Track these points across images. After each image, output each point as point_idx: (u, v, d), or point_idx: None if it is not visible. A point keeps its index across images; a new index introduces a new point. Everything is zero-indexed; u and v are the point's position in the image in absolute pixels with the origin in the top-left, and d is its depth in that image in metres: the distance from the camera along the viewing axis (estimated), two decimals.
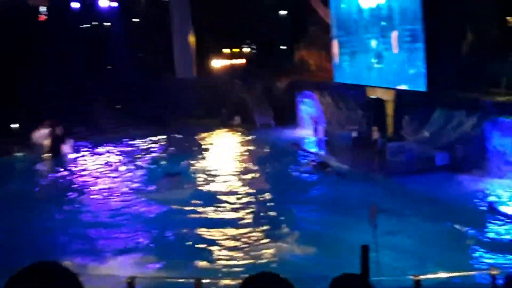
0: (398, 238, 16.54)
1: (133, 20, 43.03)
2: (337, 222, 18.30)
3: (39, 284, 2.09)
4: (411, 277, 10.12)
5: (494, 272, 9.79)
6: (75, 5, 39.29)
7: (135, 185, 24.37)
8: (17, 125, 33.78)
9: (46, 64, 35.80)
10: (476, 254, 15.32)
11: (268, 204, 20.77)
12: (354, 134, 29.09)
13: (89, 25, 42.33)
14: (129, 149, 31.94)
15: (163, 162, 28.00)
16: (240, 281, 2.51)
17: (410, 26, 25.13)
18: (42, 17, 39.57)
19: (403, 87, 26.17)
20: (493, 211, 18.49)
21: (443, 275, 12.30)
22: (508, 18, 24.66)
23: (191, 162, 27.74)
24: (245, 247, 16.71)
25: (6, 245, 16.77)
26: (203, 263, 15.53)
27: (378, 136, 26.93)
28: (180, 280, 12.69)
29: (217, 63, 41.41)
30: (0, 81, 33.95)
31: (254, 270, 2.69)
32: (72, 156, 29.97)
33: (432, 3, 24.19)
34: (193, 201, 21.12)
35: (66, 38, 37.27)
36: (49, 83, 35.28)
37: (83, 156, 30.71)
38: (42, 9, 39.37)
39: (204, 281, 9.93)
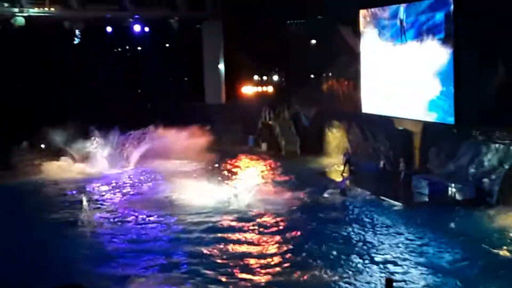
0: None
1: (165, 45, 43.64)
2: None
3: None
4: None
5: None
6: (109, 29, 39.99)
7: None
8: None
9: (77, 85, 36.56)
10: None
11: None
12: (381, 164, 29.07)
13: (121, 49, 43.04)
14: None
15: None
16: None
17: (441, 61, 25.23)
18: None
19: (431, 119, 26.16)
20: None
21: None
22: None
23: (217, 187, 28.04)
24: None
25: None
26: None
27: (404, 168, 26.87)
28: None
29: (246, 90, 41.71)
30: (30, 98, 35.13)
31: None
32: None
33: (464, 37, 24.29)
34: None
35: (99, 60, 37.93)
36: (78, 104, 35.83)
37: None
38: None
39: None
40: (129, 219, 23.40)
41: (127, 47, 43.23)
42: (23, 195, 27.64)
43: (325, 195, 25.99)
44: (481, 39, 23.45)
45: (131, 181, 30.78)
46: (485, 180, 23.27)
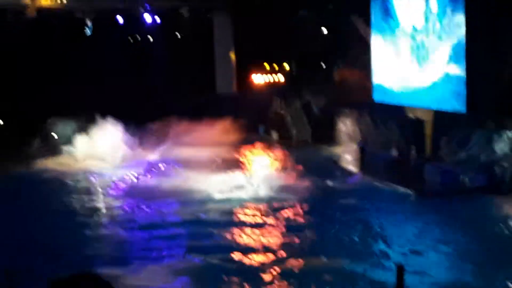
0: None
1: (176, 35, 43.62)
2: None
3: None
4: None
5: None
6: (120, 19, 40.05)
7: None
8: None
9: (88, 76, 36.69)
10: None
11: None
12: (393, 153, 29.01)
13: (132, 39, 43.09)
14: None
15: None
16: None
17: (452, 48, 25.14)
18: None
19: (442, 107, 26.11)
20: None
21: None
22: None
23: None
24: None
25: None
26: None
27: (416, 156, 26.83)
28: None
29: (257, 79, 41.68)
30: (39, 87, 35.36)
31: None
32: None
33: (476, 26, 24.18)
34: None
35: (109, 50, 38.02)
36: (88, 94, 35.96)
37: None
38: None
39: None
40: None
41: (138, 38, 43.23)
42: (40, 184, 27.91)
43: (332, 183, 26.11)
44: (493, 25, 23.37)
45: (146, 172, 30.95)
46: (497, 168, 23.23)
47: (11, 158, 32.04)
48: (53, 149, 34.20)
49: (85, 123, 34.01)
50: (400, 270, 10.81)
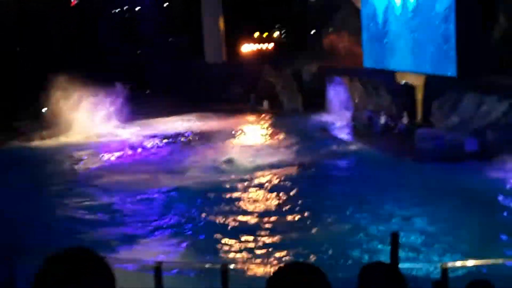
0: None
1: (164, 4, 43.12)
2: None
3: (72, 269, 2.19)
4: (439, 264, 10.12)
5: None
6: None
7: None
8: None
9: (76, 48, 36.19)
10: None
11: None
12: (383, 119, 28.92)
13: (120, 9, 42.56)
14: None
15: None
16: (267, 267, 2.53)
17: (442, 10, 24.89)
18: (73, 2, 39.90)
19: (433, 71, 25.96)
20: None
21: (471, 262, 12.23)
22: None
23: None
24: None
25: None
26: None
27: (407, 122, 26.76)
28: (207, 266, 12.81)
29: (246, 48, 41.33)
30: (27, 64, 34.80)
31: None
32: None
33: None
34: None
35: (97, 22, 37.55)
36: (77, 66, 35.52)
37: None
38: None
39: (231, 266, 10.01)
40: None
41: (125, 7, 42.71)
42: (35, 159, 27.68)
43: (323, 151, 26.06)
44: None
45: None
46: (489, 131, 23.14)
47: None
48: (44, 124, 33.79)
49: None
50: (395, 237, 10.75)
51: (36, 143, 31.34)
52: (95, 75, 33.21)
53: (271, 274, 2.50)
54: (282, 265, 2.55)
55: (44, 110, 34.23)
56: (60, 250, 2.31)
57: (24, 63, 35.47)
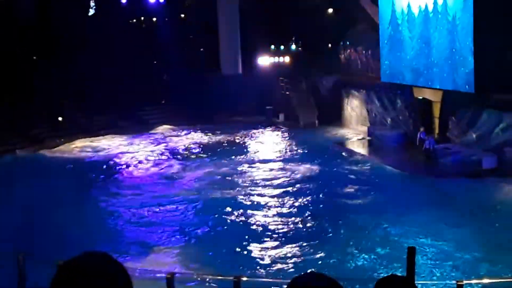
0: None
1: (180, 16, 43.31)
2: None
3: (89, 274, 2.14)
4: (454, 282, 10.00)
5: None
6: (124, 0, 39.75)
7: None
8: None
9: (92, 57, 36.36)
10: None
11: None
12: (401, 135, 28.68)
13: (136, 20, 42.82)
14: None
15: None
16: (279, 280, 2.49)
17: (460, 26, 24.79)
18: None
19: (450, 87, 25.80)
20: None
21: (486, 280, 12.10)
22: None
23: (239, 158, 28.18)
24: None
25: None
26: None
27: (424, 137, 26.50)
28: (220, 278, 12.72)
29: (263, 61, 41.33)
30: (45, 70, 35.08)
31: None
32: None
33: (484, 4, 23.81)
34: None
35: (113, 31, 37.72)
36: (93, 75, 35.73)
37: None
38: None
39: (243, 279, 9.93)
40: None
41: (142, 18, 42.96)
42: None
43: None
44: (501, 4, 23.07)
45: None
46: (507, 149, 22.91)
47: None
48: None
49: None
50: (412, 252, 10.62)
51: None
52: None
53: (287, 285, 2.44)
54: (297, 276, 2.49)
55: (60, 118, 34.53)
56: (75, 256, 2.26)
57: (41, 72, 35.76)
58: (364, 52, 34.68)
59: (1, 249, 13.94)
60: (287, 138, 33.36)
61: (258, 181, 24.12)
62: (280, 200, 21.46)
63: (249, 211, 20.14)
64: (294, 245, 16.75)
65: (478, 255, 15.47)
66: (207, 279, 13.50)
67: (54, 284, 2.13)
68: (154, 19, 42.70)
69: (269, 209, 20.56)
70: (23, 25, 35.41)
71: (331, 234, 17.70)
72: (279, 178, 24.47)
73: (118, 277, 2.18)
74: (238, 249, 16.53)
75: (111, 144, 32.43)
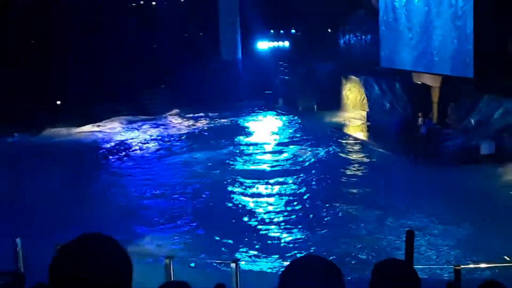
0: None
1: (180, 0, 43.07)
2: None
3: (88, 256, 2.13)
4: (452, 266, 10.07)
5: None
6: None
7: None
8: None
9: (91, 41, 36.25)
10: None
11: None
12: (399, 120, 28.69)
13: (136, 4, 42.58)
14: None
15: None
16: (276, 264, 2.50)
17: (460, 11, 24.70)
18: None
19: (449, 72, 25.74)
20: None
21: (483, 265, 12.19)
22: None
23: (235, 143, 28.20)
24: None
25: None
26: None
27: (423, 123, 26.50)
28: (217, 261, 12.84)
29: (262, 45, 41.19)
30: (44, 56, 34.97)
31: None
32: None
33: None
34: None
35: (113, 16, 37.54)
36: (91, 60, 35.61)
37: None
38: None
39: (242, 263, 10.00)
40: None
41: (141, 2, 42.73)
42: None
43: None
44: None
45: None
46: (506, 135, 22.93)
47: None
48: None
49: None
50: (410, 235, 10.68)
51: None
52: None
53: (285, 268, 2.46)
54: (295, 259, 2.51)
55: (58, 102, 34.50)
56: (74, 239, 2.25)
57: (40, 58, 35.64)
58: (363, 37, 34.58)
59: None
60: (286, 122, 33.37)
61: (257, 162, 24.35)
62: (277, 180, 21.79)
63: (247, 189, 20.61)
64: (291, 227, 16.89)
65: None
66: (205, 262, 13.58)
67: (53, 267, 2.13)
68: (154, 2, 42.44)
69: (267, 184, 21.23)
70: (20, 7, 35.23)
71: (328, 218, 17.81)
72: (277, 160, 24.58)
73: (118, 259, 2.17)
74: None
75: (111, 130, 32.42)
